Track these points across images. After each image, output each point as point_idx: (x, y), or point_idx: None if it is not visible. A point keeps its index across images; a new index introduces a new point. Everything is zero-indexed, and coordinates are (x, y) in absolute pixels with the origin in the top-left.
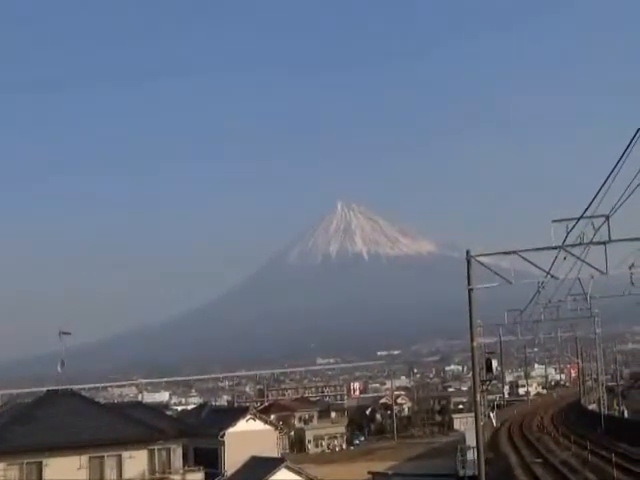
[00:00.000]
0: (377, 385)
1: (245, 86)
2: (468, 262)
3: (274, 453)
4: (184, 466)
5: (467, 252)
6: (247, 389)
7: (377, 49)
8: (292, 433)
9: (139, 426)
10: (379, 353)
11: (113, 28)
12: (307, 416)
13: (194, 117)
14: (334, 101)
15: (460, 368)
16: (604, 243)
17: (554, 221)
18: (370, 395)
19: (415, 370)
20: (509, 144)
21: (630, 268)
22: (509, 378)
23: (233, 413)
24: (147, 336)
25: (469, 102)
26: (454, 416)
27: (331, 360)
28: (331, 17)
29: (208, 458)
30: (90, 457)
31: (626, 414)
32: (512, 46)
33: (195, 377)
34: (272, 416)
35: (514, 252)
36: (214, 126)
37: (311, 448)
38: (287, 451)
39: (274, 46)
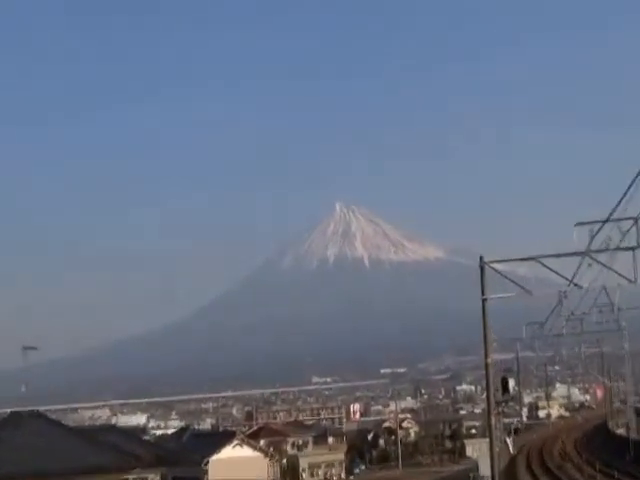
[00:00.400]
0: (380, 407)
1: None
2: (482, 269)
3: None
4: None
5: (480, 258)
6: (234, 411)
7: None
8: (284, 461)
9: (112, 452)
10: (382, 371)
11: None
12: (301, 442)
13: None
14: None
15: (473, 388)
16: (632, 249)
17: (577, 224)
18: (372, 418)
19: (422, 390)
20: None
21: None
22: (528, 399)
23: (218, 438)
24: (121, 351)
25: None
26: (466, 442)
27: (328, 379)
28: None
29: None
30: None
31: None
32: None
33: (176, 398)
34: (262, 442)
35: (533, 258)
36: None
37: (306, 477)
38: None
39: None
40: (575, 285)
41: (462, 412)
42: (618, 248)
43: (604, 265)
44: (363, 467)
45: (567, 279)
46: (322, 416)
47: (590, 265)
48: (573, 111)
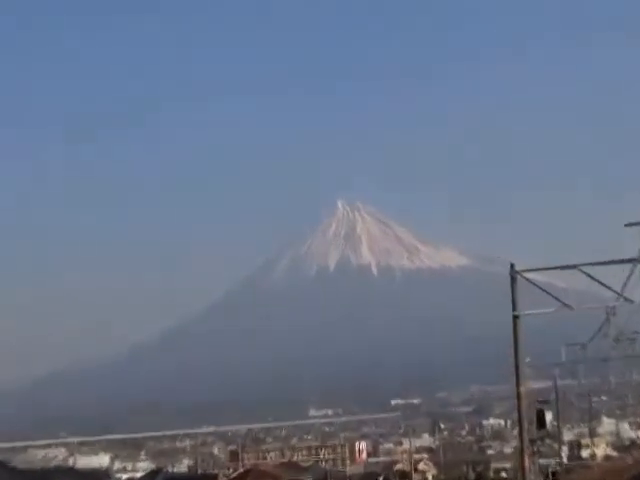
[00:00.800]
0: (391, 445)
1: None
2: (513, 279)
3: None
4: None
5: (511, 266)
6: (215, 450)
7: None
8: None
9: None
10: (393, 402)
11: None
12: None
13: None
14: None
15: (502, 423)
16: None
17: (628, 225)
18: (381, 459)
19: (442, 425)
20: None
21: None
22: (568, 436)
23: None
24: (81, 379)
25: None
26: None
27: (329, 411)
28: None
29: None
30: None
31: None
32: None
33: (146, 434)
34: None
35: (574, 266)
36: None
37: None
38: None
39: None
40: (625, 299)
41: (489, 452)
42: None
43: None
44: None
45: (615, 291)
46: (321, 456)
47: None
48: None
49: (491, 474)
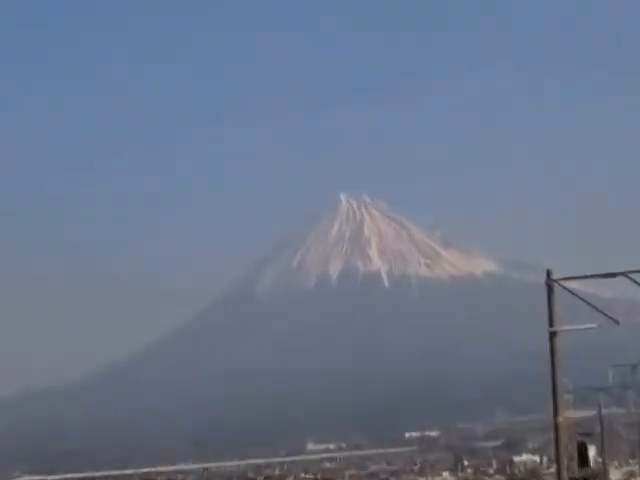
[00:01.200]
0: None
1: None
2: (549, 289)
3: None
4: None
5: (547, 273)
6: None
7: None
8: None
9: None
10: (407, 435)
11: None
12: None
13: None
14: None
15: (537, 459)
16: None
17: None
18: None
19: (465, 461)
20: None
21: None
22: (616, 475)
23: None
24: (32, 408)
25: None
26: None
27: (330, 445)
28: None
29: None
30: None
31: None
32: None
33: (111, 472)
34: None
35: (622, 273)
36: None
37: None
38: None
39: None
40: None
41: None
42: None
43: None
44: None
45: None
46: None
47: None
48: None
49: None
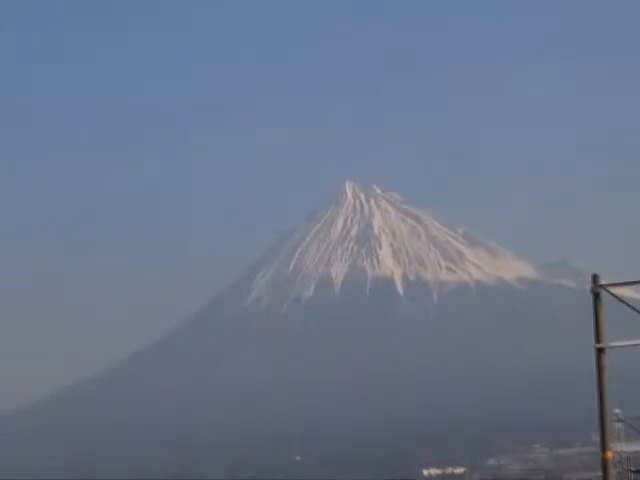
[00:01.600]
0: None
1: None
2: (596, 297)
3: None
4: None
5: (593, 278)
6: None
7: None
8: None
9: None
10: (425, 472)
11: None
12: None
13: None
14: None
15: None
16: None
17: None
18: None
19: None
20: None
21: None
22: None
23: None
24: None
25: None
26: None
27: None
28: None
29: None
30: None
31: None
32: None
33: None
34: None
35: None
36: None
37: None
38: None
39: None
40: None
41: None
42: None
43: None
44: None
45: None
46: None
47: None
48: None
49: None
